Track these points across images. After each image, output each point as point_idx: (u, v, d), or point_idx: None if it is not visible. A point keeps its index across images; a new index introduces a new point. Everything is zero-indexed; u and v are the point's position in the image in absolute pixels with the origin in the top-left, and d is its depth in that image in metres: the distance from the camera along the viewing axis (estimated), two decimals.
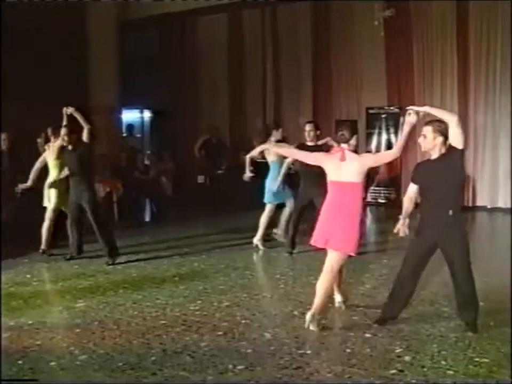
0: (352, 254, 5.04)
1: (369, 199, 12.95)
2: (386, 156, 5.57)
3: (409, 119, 4.90)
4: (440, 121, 4.89)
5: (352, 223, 4.98)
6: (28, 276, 7.15)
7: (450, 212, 4.83)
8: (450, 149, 4.85)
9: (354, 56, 13.02)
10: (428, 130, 4.88)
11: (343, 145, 5.08)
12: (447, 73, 12.15)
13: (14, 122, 9.87)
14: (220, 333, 5.03)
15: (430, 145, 4.89)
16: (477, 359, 4.38)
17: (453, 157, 4.84)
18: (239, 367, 4.28)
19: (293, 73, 13.77)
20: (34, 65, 11.10)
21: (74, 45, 12.27)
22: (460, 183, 5.18)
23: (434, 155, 4.93)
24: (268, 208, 8.43)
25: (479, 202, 12.14)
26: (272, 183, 8.28)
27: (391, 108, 12.56)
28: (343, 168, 5.01)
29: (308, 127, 7.86)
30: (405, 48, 12.45)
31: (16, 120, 10.07)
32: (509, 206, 11.64)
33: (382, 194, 12.74)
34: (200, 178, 13.11)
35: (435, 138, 4.85)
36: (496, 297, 5.95)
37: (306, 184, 7.71)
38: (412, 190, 5.08)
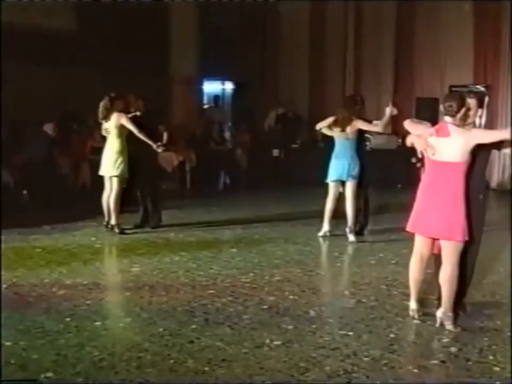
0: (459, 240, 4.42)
1: None
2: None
3: None
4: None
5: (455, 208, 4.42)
6: (93, 238, 7.36)
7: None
8: None
9: (439, 32, 12.48)
10: (473, 103, 4.52)
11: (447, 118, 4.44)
12: None
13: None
14: (265, 306, 4.97)
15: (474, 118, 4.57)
16: None
17: None
18: (276, 342, 4.20)
19: (375, 48, 13.38)
20: (116, 36, 11.29)
21: (156, 16, 12.39)
22: None
23: None
24: None
25: None
26: None
27: (477, 86, 11.97)
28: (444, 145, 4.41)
29: None
30: (493, 23, 11.81)
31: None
32: None
33: None
34: (275, 152, 13.01)
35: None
36: None
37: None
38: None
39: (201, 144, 12.44)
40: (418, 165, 10.84)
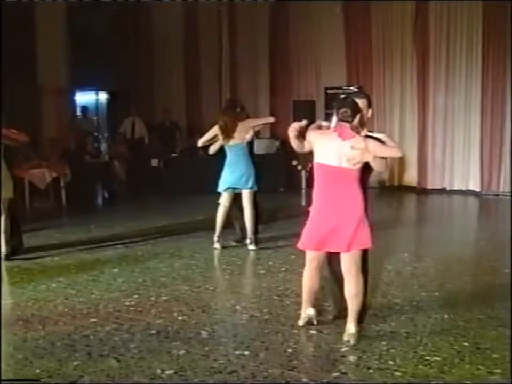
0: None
1: None
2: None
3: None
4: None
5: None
6: None
7: None
8: None
9: (313, 35, 12.62)
10: (363, 103, 4.24)
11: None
12: (407, 53, 11.88)
13: None
14: (153, 331, 4.60)
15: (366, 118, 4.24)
16: (427, 358, 4.04)
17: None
18: (168, 372, 3.87)
19: (250, 52, 13.32)
20: None
21: (23, 23, 11.61)
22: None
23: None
24: None
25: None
26: None
27: (350, 87, 12.21)
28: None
29: None
30: (364, 28, 12.13)
31: None
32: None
33: None
34: (154, 162, 12.60)
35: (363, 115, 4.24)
36: (453, 287, 5.67)
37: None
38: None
39: (76, 158, 11.79)
40: (299, 167, 10.87)
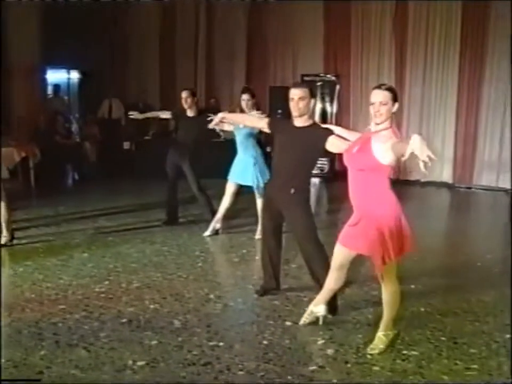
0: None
1: None
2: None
3: None
4: None
5: None
6: None
7: (292, 190, 4.50)
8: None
9: (291, 22, 12.42)
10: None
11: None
12: (385, 40, 11.79)
13: None
14: (124, 320, 4.46)
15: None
16: (405, 352, 3.98)
17: (321, 135, 4.43)
18: (139, 363, 3.74)
19: (227, 38, 13.11)
20: None
21: None
22: (313, 164, 4.72)
23: (305, 122, 4.60)
24: None
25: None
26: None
27: (327, 75, 12.10)
28: None
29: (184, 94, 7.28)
30: (342, 14, 11.99)
31: None
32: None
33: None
34: (126, 144, 12.34)
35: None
36: (429, 279, 5.62)
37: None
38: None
39: (46, 138, 11.48)
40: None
